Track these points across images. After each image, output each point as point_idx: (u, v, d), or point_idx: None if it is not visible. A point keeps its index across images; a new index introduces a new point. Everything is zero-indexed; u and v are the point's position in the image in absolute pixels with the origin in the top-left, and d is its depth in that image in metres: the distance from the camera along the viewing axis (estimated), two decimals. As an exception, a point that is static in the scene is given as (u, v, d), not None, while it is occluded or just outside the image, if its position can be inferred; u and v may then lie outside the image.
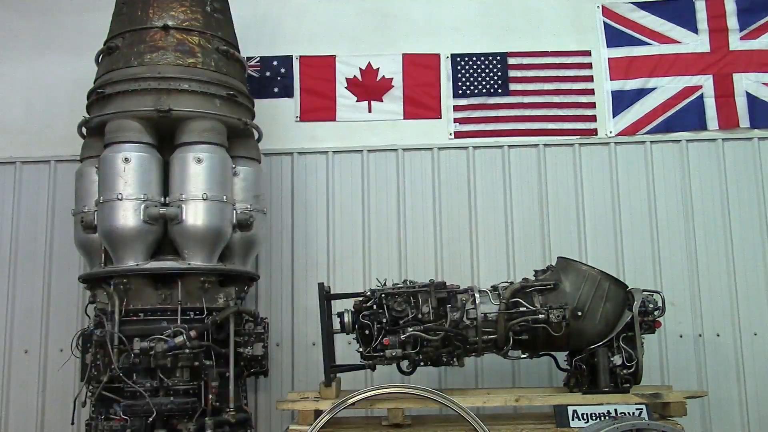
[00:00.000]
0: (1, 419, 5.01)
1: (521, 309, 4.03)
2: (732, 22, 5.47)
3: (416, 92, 5.45)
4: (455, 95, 5.44)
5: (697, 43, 5.47)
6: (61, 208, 5.11)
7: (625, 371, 3.98)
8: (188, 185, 4.21)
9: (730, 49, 5.45)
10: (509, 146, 5.34)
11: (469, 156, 5.34)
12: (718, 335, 5.12)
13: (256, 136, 4.80)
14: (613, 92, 5.43)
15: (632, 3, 5.53)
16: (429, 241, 5.23)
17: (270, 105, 5.35)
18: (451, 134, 5.41)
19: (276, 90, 5.45)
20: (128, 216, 4.11)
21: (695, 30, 5.48)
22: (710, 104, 5.37)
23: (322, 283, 4.18)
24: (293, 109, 5.43)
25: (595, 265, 4.27)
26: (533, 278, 4.22)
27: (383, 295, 4.04)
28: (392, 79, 5.45)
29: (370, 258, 5.21)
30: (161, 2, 4.44)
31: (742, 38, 5.46)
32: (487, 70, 5.46)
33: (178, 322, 4.07)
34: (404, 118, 5.42)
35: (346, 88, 5.44)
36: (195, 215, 4.18)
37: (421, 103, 5.42)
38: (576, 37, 5.52)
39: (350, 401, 3.75)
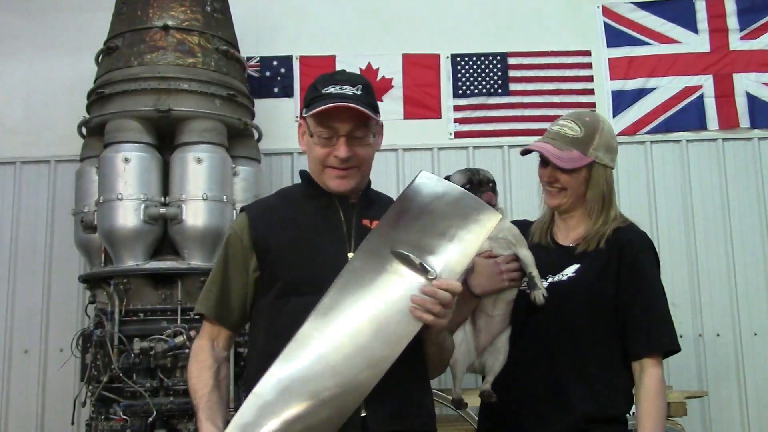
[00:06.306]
0: (1, 419, 5.01)
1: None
2: (732, 22, 5.46)
3: (416, 92, 5.44)
4: (455, 95, 5.44)
5: (697, 43, 5.46)
6: (61, 208, 5.09)
7: (625, 372, 3.98)
8: (188, 185, 4.20)
9: (730, 49, 5.44)
10: (509, 146, 5.32)
11: (469, 156, 5.33)
12: (718, 335, 5.11)
13: (256, 136, 4.79)
14: (613, 92, 5.43)
15: (632, 3, 5.53)
16: (429, 241, 5.22)
17: (270, 105, 5.33)
18: (451, 134, 5.40)
19: (276, 90, 5.44)
20: (128, 216, 4.10)
21: (695, 30, 5.47)
22: (710, 104, 5.37)
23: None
24: (293, 109, 5.41)
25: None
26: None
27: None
28: (392, 79, 5.44)
29: (370, 258, 5.20)
30: (161, 2, 4.43)
31: (742, 38, 5.45)
32: (487, 70, 5.46)
33: (178, 322, 4.05)
34: (404, 118, 5.40)
35: (346, 88, 5.42)
36: (195, 215, 4.17)
37: (421, 103, 5.42)
38: (576, 37, 5.51)
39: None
